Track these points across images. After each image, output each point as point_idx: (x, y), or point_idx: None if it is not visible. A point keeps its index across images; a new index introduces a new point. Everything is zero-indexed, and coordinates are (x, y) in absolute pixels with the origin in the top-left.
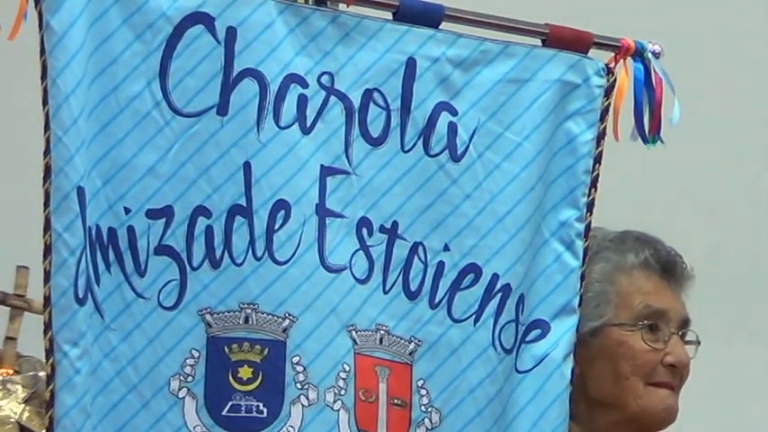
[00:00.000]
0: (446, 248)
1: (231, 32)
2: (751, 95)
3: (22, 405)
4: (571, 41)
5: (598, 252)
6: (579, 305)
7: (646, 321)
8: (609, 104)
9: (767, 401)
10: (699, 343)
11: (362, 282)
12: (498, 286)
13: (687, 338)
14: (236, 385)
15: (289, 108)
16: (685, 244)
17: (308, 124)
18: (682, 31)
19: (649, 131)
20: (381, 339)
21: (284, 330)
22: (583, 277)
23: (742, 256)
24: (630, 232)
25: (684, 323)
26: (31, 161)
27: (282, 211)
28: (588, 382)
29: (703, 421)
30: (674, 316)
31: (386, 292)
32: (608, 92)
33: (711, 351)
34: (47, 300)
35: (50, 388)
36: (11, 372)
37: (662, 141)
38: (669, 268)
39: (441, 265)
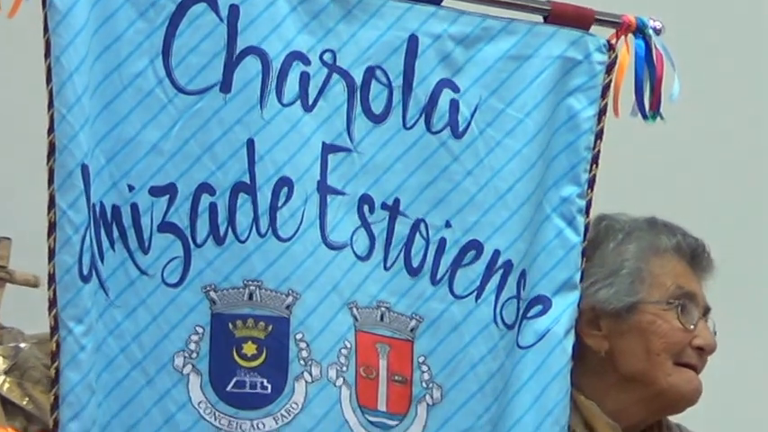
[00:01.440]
0: (447, 225)
1: (234, 10)
2: (752, 73)
3: (3, 376)
4: (573, 18)
5: (631, 232)
6: (580, 281)
7: (678, 301)
8: (610, 81)
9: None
10: (715, 333)
11: (364, 259)
12: (500, 262)
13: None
14: (240, 361)
15: (291, 85)
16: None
17: (311, 102)
18: (683, 7)
19: (650, 108)
20: (382, 316)
21: (287, 307)
22: (584, 253)
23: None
24: (656, 218)
25: (707, 310)
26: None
27: (285, 188)
28: (618, 357)
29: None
30: (701, 301)
31: (387, 269)
32: (609, 68)
33: None
34: (51, 277)
35: (55, 365)
36: None
37: (662, 117)
38: (697, 255)
39: (442, 241)
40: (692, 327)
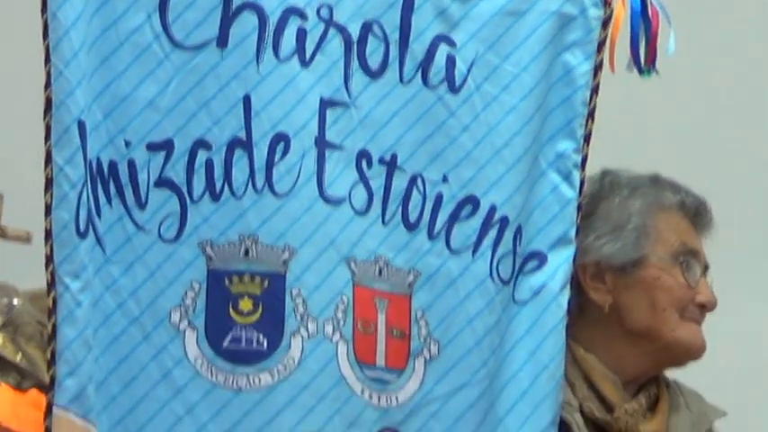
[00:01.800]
0: (445, 180)
1: None
2: (748, 31)
3: None
4: None
5: (636, 188)
6: (576, 236)
7: (683, 258)
8: (606, 36)
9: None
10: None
11: (361, 213)
12: (496, 217)
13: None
14: (236, 317)
15: (288, 41)
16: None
17: (308, 57)
18: None
19: (645, 62)
20: (380, 271)
21: (284, 262)
22: (579, 208)
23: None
24: (660, 175)
25: (707, 267)
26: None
27: (282, 144)
28: (623, 312)
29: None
30: (702, 258)
31: (385, 224)
32: (605, 23)
33: None
34: (48, 233)
35: (52, 321)
36: None
37: (657, 72)
38: (699, 213)
39: (439, 196)
40: (695, 283)
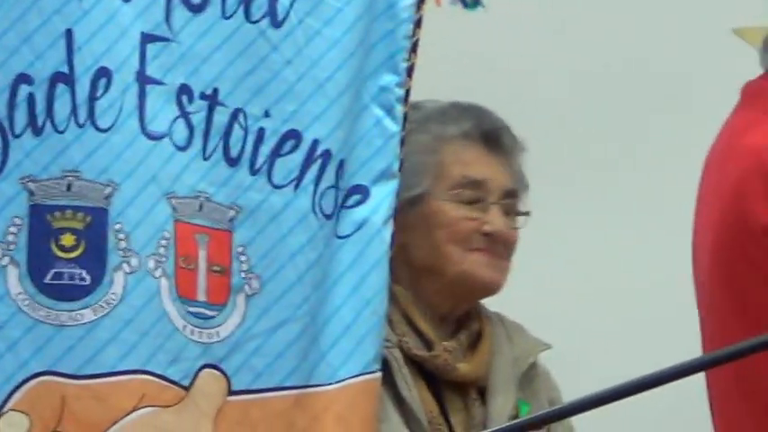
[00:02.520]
0: (267, 114)
1: None
2: None
3: None
4: None
5: (421, 123)
6: (399, 170)
7: (462, 190)
8: None
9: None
10: (527, 214)
11: (182, 149)
12: (318, 152)
13: (519, 209)
14: (58, 253)
15: None
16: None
17: None
18: None
19: None
20: (201, 206)
21: (106, 198)
22: (403, 142)
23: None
24: (457, 103)
25: (509, 193)
26: None
27: (104, 79)
28: (410, 250)
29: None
30: (496, 186)
31: (206, 159)
32: None
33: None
34: None
35: None
36: None
37: (482, 5)
38: (493, 138)
39: (261, 131)
40: (479, 214)
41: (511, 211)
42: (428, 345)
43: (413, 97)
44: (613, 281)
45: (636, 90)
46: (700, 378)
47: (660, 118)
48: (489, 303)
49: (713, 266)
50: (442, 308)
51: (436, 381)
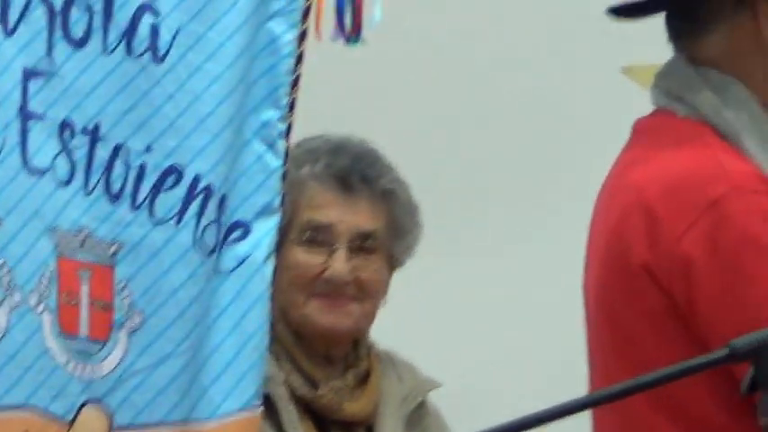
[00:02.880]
0: (148, 150)
1: None
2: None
3: None
4: None
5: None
6: (281, 205)
7: (307, 234)
8: (311, 4)
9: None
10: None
11: (65, 184)
12: (200, 187)
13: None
14: None
15: None
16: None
17: (11, 26)
18: None
19: (351, 31)
20: (83, 242)
21: None
22: (284, 177)
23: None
24: (328, 142)
25: (363, 236)
26: None
27: None
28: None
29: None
30: (345, 229)
31: (88, 195)
32: None
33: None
34: None
35: None
36: None
37: (363, 41)
38: (344, 180)
39: (143, 166)
40: (322, 259)
41: (367, 253)
42: (314, 384)
43: (296, 132)
44: (506, 327)
45: (528, 128)
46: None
47: (553, 155)
48: (383, 340)
49: (597, 302)
50: (318, 348)
51: (324, 420)
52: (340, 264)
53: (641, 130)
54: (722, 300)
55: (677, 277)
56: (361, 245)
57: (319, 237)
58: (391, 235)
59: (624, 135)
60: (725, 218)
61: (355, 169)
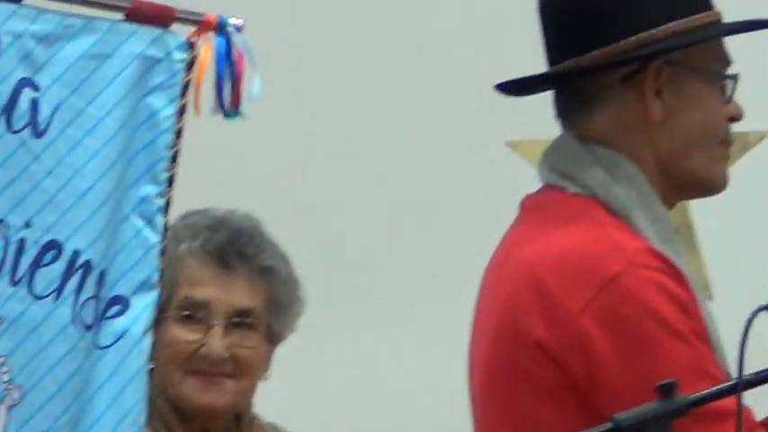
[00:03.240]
0: (27, 225)
1: None
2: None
3: None
4: (153, 16)
5: (169, 239)
6: (159, 280)
7: (184, 312)
8: (190, 79)
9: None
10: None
11: None
12: (79, 262)
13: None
14: None
15: None
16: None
17: None
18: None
19: (230, 105)
20: None
21: None
22: (163, 252)
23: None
24: (207, 217)
25: (241, 313)
26: None
27: None
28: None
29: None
30: (222, 307)
31: None
32: (189, 66)
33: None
34: None
35: None
36: None
37: (242, 116)
38: (222, 256)
39: (22, 241)
40: (198, 336)
41: (245, 330)
42: None
43: (177, 207)
44: (392, 398)
45: (414, 201)
46: None
47: (437, 230)
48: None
49: (485, 378)
50: (197, 424)
51: None
52: (216, 341)
53: (530, 207)
54: (625, 374)
55: (575, 353)
56: (239, 322)
57: (196, 314)
58: (271, 311)
59: (510, 209)
60: (623, 294)
61: (233, 246)
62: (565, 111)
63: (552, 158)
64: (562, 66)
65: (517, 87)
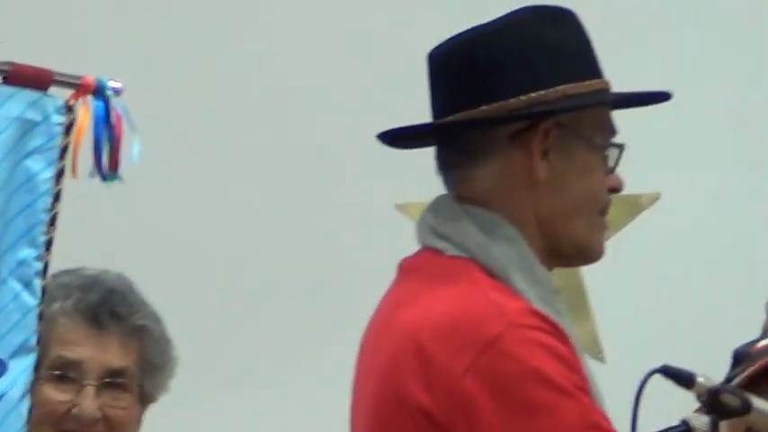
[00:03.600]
0: None
1: None
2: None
3: None
4: (32, 79)
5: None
6: (38, 344)
7: (56, 371)
8: (69, 142)
9: None
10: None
11: None
12: None
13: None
14: None
15: None
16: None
17: None
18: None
19: (108, 168)
20: None
21: None
22: (41, 316)
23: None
24: (81, 276)
25: (114, 373)
26: None
27: None
28: None
29: None
30: (94, 366)
31: None
32: (68, 129)
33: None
34: None
35: None
36: None
37: (120, 179)
38: (94, 316)
39: None
40: (70, 396)
41: (118, 390)
42: None
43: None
44: None
45: (296, 261)
46: None
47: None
48: None
49: None
50: None
51: None
52: (88, 401)
53: (408, 269)
54: None
55: (458, 417)
56: (111, 382)
57: (68, 373)
58: (143, 371)
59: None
60: (504, 355)
61: (106, 305)
62: (447, 166)
63: (431, 220)
64: (452, 117)
65: (405, 140)
